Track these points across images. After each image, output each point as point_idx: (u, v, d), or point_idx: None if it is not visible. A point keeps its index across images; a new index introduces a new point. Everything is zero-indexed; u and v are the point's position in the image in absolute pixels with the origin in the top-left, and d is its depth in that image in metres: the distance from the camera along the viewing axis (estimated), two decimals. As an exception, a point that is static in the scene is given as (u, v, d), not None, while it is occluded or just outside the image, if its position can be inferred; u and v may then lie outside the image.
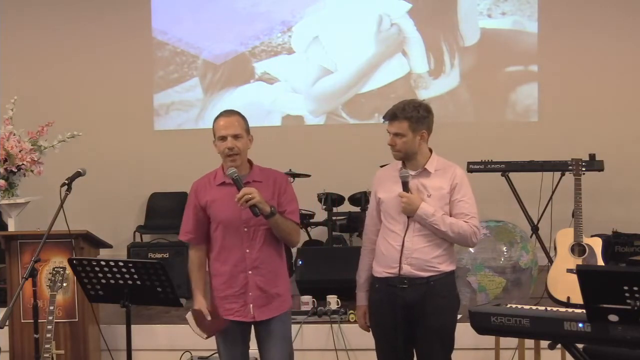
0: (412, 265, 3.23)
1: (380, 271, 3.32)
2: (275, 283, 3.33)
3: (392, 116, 3.27)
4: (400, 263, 3.22)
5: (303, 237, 6.33)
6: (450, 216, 3.28)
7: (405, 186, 3.25)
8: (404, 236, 3.23)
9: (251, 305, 3.28)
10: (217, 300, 3.34)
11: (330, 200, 6.33)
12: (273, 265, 3.33)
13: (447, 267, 3.31)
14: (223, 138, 3.29)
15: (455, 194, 3.29)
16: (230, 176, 3.22)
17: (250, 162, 3.39)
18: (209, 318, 3.29)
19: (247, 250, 3.27)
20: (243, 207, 3.16)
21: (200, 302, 3.33)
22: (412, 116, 3.25)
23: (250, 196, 3.13)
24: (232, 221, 3.27)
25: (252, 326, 3.37)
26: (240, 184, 3.20)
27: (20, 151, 5.11)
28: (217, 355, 4.45)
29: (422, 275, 3.24)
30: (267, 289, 3.30)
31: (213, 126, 3.36)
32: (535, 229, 5.80)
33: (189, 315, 3.32)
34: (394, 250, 3.26)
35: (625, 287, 2.29)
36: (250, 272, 3.28)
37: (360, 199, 6.41)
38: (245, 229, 3.27)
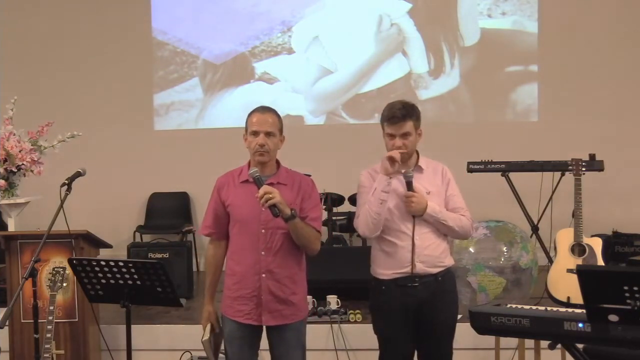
0: (424, 263, 3.28)
1: (387, 273, 3.33)
2: (290, 290, 3.23)
3: (401, 117, 3.25)
4: (412, 262, 3.25)
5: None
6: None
7: (410, 186, 3.26)
8: (413, 235, 3.26)
9: (262, 309, 3.20)
10: (228, 300, 3.29)
11: (330, 200, 6.34)
12: (289, 271, 3.23)
13: (449, 262, 3.41)
14: (255, 133, 3.18)
15: (449, 190, 3.39)
16: (251, 175, 3.15)
17: (278, 162, 3.31)
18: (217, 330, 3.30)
19: (263, 253, 3.19)
20: (263, 206, 3.07)
21: (210, 314, 3.33)
22: (413, 115, 3.30)
23: (270, 195, 3.04)
24: (250, 221, 3.19)
25: (264, 330, 3.28)
26: (260, 183, 3.11)
27: (20, 151, 5.10)
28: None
29: (432, 272, 3.29)
30: (281, 295, 3.21)
31: (247, 120, 3.26)
32: (535, 229, 5.80)
33: (207, 341, 3.29)
34: (403, 250, 3.28)
35: (625, 287, 2.29)
36: (263, 275, 3.19)
37: (360, 199, 6.40)
38: (263, 231, 3.18)
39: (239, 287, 3.23)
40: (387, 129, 3.30)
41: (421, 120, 3.36)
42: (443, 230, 3.32)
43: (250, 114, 3.25)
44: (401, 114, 3.26)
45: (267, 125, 3.18)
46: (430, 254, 3.28)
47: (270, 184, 3.17)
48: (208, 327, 3.32)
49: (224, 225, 3.30)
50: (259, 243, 3.19)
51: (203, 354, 4.46)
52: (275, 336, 3.26)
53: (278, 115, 3.26)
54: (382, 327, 3.42)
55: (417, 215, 3.25)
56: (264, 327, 3.28)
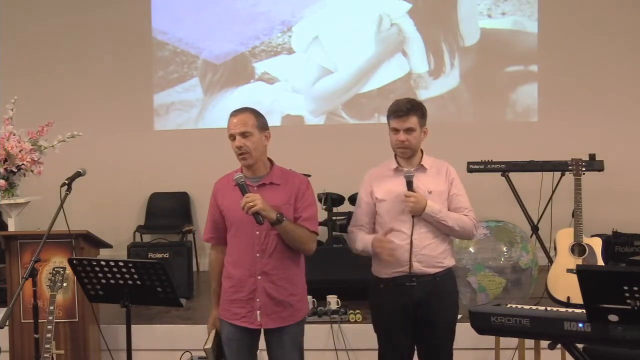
0: (421, 263, 3.29)
1: (386, 272, 3.35)
2: (288, 291, 3.19)
3: (405, 111, 3.28)
4: (410, 261, 3.26)
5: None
6: (449, 211, 3.35)
7: (410, 185, 3.27)
8: (412, 234, 3.27)
9: (258, 312, 3.17)
10: (225, 304, 3.26)
11: (330, 200, 6.34)
12: (286, 272, 3.19)
13: (449, 262, 3.40)
14: (232, 137, 3.16)
15: (453, 189, 3.38)
16: (236, 181, 3.11)
17: (271, 162, 3.26)
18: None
19: (258, 255, 3.15)
20: (247, 214, 3.03)
21: (216, 320, 3.31)
22: (419, 111, 3.33)
23: (251, 204, 3.01)
24: (244, 224, 3.14)
25: (262, 332, 3.26)
26: (244, 189, 3.07)
27: (20, 151, 5.10)
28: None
29: (429, 272, 3.30)
30: (277, 297, 3.17)
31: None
32: (535, 229, 5.80)
33: (209, 349, 3.24)
34: (401, 249, 3.28)
35: (625, 287, 2.29)
36: (259, 277, 3.16)
37: (360, 199, 6.40)
38: (257, 232, 3.14)
39: (235, 290, 3.21)
40: (392, 123, 3.33)
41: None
42: (444, 230, 3.32)
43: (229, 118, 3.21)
44: (406, 108, 3.30)
45: (241, 125, 3.12)
46: (428, 253, 3.29)
47: (262, 185, 3.16)
48: (212, 333, 3.29)
49: (223, 231, 3.28)
50: (254, 245, 3.16)
51: (203, 354, 4.47)
52: (272, 338, 3.24)
53: (255, 113, 3.19)
54: (380, 325, 3.43)
55: (416, 215, 3.26)
56: (262, 329, 3.25)
